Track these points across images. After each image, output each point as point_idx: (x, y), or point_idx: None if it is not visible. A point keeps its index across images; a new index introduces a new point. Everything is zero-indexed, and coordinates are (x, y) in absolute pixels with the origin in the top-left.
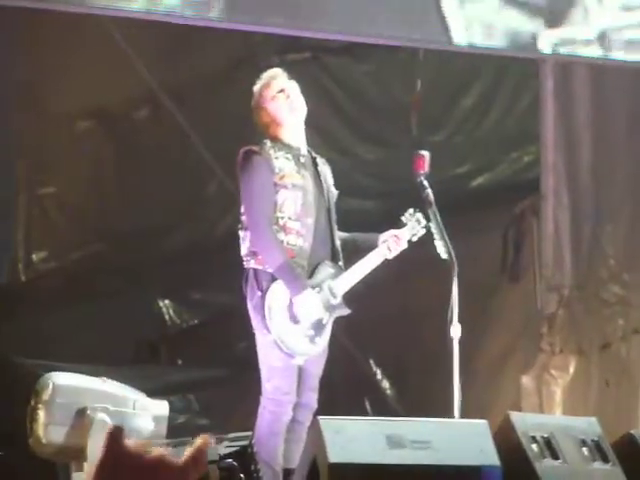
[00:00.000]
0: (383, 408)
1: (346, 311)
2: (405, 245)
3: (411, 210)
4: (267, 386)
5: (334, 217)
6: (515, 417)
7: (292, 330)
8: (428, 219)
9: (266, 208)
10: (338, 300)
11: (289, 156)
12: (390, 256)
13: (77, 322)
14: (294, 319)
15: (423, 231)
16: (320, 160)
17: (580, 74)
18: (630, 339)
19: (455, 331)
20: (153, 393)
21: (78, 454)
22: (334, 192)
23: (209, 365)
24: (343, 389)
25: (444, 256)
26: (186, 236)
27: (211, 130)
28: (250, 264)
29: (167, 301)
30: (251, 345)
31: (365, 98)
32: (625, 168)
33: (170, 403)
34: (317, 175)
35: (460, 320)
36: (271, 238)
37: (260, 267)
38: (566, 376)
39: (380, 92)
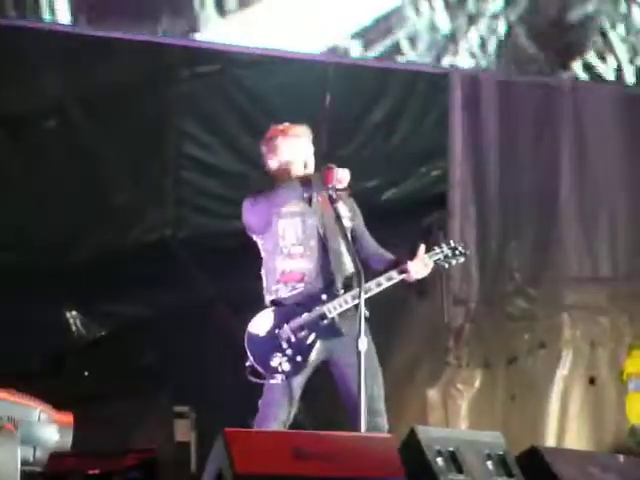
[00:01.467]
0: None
1: (338, 334)
2: (421, 267)
3: (451, 241)
4: (259, 402)
5: (336, 247)
6: (421, 431)
7: (270, 353)
8: (461, 251)
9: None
10: (326, 322)
11: (290, 192)
12: (416, 276)
13: None
14: (273, 342)
15: (461, 260)
16: (338, 205)
17: (488, 87)
18: (536, 353)
19: (362, 344)
20: (59, 405)
21: None
22: (347, 225)
23: (116, 377)
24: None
25: (350, 270)
26: (94, 247)
27: (121, 141)
28: (266, 299)
29: (74, 312)
30: (159, 358)
31: (275, 111)
32: (531, 183)
33: (75, 415)
34: (314, 213)
35: (367, 334)
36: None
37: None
38: (472, 390)
39: (290, 105)
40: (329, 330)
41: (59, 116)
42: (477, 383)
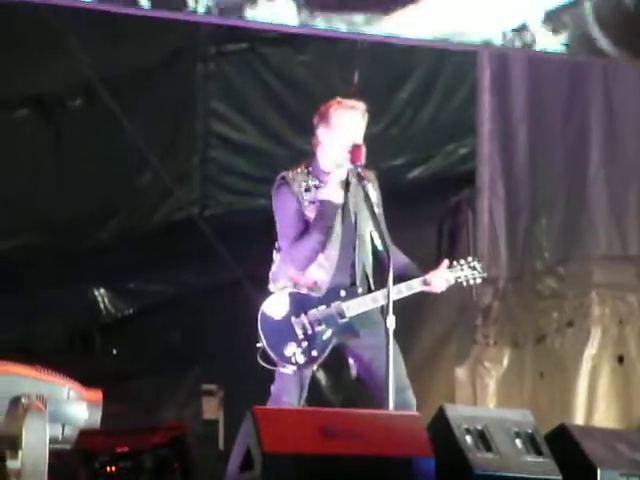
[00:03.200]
0: (318, 399)
1: (355, 334)
2: (443, 282)
3: (470, 259)
4: (271, 387)
5: (362, 242)
6: (449, 409)
7: (284, 340)
8: (479, 272)
9: (290, 233)
10: (345, 320)
11: (321, 187)
12: (437, 289)
13: (10, 311)
14: (287, 330)
15: (479, 280)
16: (365, 181)
17: (517, 66)
18: (564, 332)
19: (390, 322)
20: (88, 382)
21: (13, 443)
22: (377, 212)
23: (144, 354)
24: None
25: (380, 247)
26: (121, 225)
27: (147, 120)
28: (270, 287)
29: (102, 290)
30: (186, 336)
31: (302, 89)
32: (560, 162)
33: (104, 392)
34: (348, 203)
35: (395, 312)
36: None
37: (274, 291)
38: (500, 368)
39: (318, 83)
40: (346, 329)
41: (85, 95)
42: (505, 361)
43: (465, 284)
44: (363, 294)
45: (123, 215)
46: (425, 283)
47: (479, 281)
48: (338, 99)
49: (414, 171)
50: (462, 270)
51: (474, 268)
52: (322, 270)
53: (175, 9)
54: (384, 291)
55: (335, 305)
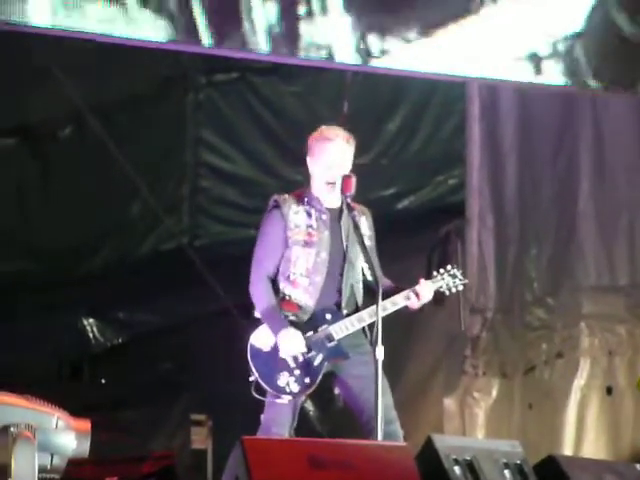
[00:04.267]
0: (305, 429)
1: (344, 356)
2: (427, 294)
3: (449, 267)
4: (262, 417)
5: (351, 268)
6: (437, 439)
7: (276, 371)
8: (460, 279)
9: (265, 259)
10: (333, 343)
11: (312, 212)
12: (417, 304)
13: None
14: (278, 361)
15: (460, 287)
16: (356, 212)
17: (507, 97)
18: (553, 363)
19: (379, 353)
20: (76, 412)
21: (3, 472)
22: (368, 244)
23: (132, 384)
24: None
25: (369, 278)
26: (111, 255)
27: (137, 149)
28: (255, 313)
29: (91, 320)
30: (175, 366)
31: (292, 119)
32: (549, 192)
33: (93, 422)
34: (339, 230)
35: (384, 342)
36: (261, 285)
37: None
38: (489, 399)
39: (307, 113)
40: (335, 352)
41: (76, 125)
42: (494, 392)
43: (448, 293)
44: (349, 316)
45: (112, 244)
46: (408, 297)
47: (461, 288)
48: (321, 127)
49: (403, 201)
50: (443, 279)
51: (454, 276)
52: (307, 295)
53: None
54: (369, 310)
55: (322, 329)
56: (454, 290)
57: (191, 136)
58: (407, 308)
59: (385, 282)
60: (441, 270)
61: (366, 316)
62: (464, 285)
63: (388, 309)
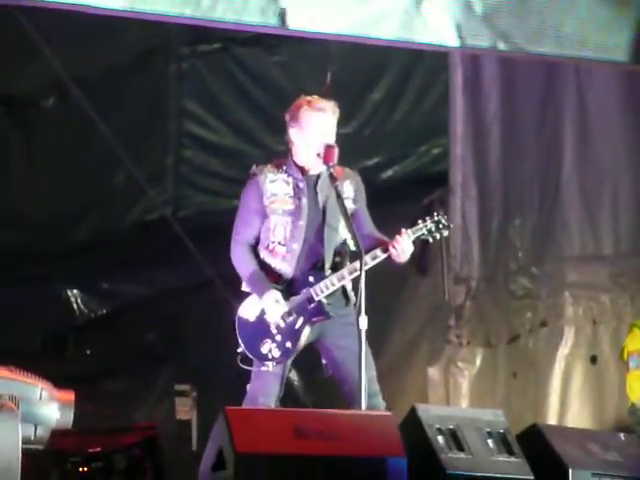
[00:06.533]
0: (290, 399)
1: (326, 316)
2: (407, 245)
3: (435, 213)
4: (247, 387)
5: (333, 232)
6: (421, 409)
7: (259, 339)
8: (444, 224)
9: (241, 228)
10: (314, 304)
11: (289, 180)
12: (400, 258)
13: None
14: (261, 329)
15: (445, 233)
16: (339, 180)
17: (490, 67)
18: (538, 332)
19: (362, 322)
20: (60, 383)
21: None
22: (353, 207)
23: (117, 355)
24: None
25: (352, 248)
26: (95, 226)
27: (120, 120)
28: (243, 286)
29: (75, 291)
30: (160, 336)
31: (275, 89)
32: (533, 162)
33: (77, 392)
34: (316, 196)
35: (367, 312)
36: (240, 252)
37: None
38: (473, 368)
39: (290, 83)
40: (316, 313)
41: (59, 95)
42: (478, 361)
43: (431, 240)
44: (330, 276)
45: (96, 215)
46: (385, 250)
47: (445, 234)
48: (308, 98)
49: (387, 172)
50: (425, 226)
51: (438, 222)
52: (286, 263)
53: None
54: (349, 267)
55: (303, 292)
56: (437, 236)
57: (174, 106)
58: (392, 264)
59: (376, 237)
60: (426, 218)
61: (346, 273)
62: (448, 230)
63: (368, 263)
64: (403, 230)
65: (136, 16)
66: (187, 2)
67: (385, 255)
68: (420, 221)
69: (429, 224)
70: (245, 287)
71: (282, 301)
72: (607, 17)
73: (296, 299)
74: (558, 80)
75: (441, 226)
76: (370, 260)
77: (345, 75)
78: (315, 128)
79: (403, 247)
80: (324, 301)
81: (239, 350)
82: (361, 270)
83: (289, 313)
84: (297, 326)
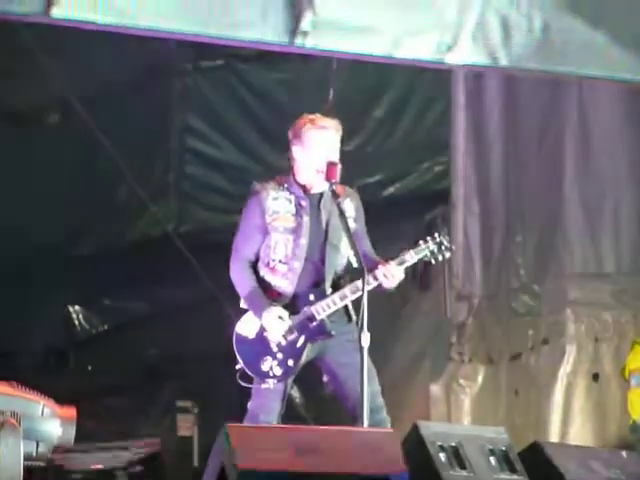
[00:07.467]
0: (291, 415)
1: (327, 335)
2: (398, 273)
3: (436, 234)
4: (248, 404)
5: (335, 251)
6: (423, 426)
7: (260, 356)
8: (447, 246)
9: (241, 244)
10: (316, 323)
11: (291, 198)
12: (389, 284)
13: None
14: (261, 346)
15: (447, 255)
16: (341, 197)
17: (492, 84)
18: (539, 349)
19: (365, 340)
20: (62, 399)
21: None
22: (354, 226)
23: (118, 371)
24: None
25: (355, 265)
26: (96, 241)
27: (122, 136)
28: (241, 304)
29: (77, 307)
30: (161, 353)
31: (277, 105)
32: (535, 179)
33: (79, 409)
34: (319, 215)
35: (369, 328)
36: (239, 269)
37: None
38: (475, 385)
39: (293, 100)
40: (318, 332)
41: (61, 111)
42: (480, 379)
43: (434, 262)
44: (331, 295)
45: (98, 231)
46: (375, 278)
47: (448, 255)
48: (311, 116)
49: (389, 189)
50: (427, 247)
51: (440, 243)
52: (287, 281)
53: None
54: (351, 286)
55: (304, 311)
56: (440, 258)
57: (177, 122)
58: (379, 290)
59: (374, 260)
60: (427, 238)
61: (348, 293)
62: (450, 252)
63: (370, 284)
64: (392, 263)
65: (140, 33)
66: (199, 20)
67: (374, 284)
68: (422, 242)
69: (431, 245)
70: (243, 304)
71: (286, 317)
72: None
73: (297, 317)
74: (560, 96)
75: (443, 248)
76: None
77: (347, 92)
78: (318, 146)
79: (389, 280)
80: (326, 320)
81: (237, 367)
82: (363, 287)
83: (290, 331)
84: (299, 344)
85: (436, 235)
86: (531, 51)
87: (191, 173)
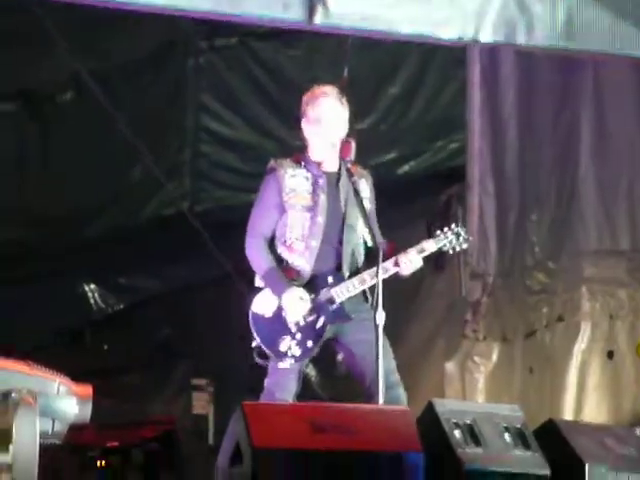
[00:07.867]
0: (307, 394)
1: (347, 318)
2: (417, 259)
3: (453, 225)
4: (265, 381)
5: (352, 231)
6: (438, 404)
7: (278, 335)
8: (465, 237)
9: (258, 220)
10: (335, 306)
11: (308, 176)
12: (405, 271)
13: (0, 306)
14: (280, 325)
15: (465, 245)
16: (356, 176)
17: (507, 61)
18: (554, 327)
19: (380, 318)
20: (78, 377)
21: (4, 438)
22: (368, 207)
23: (134, 350)
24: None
25: (369, 244)
26: (111, 220)
27: (137, 114)
28: (256, 282)
29: (92, 285)
30: (177, 331)
31: (292, 83)
32: (550, 157)
33: (95, 387)
34: (337, 194)
35: (385, 307)
36: (256, 246)
37: (260, 286)
38: (489, 363)
39: (307, 77)
40: (338, 315)
41: (76, 89)
42: (495, 356)
43: (451, 252)
44: (350, 279)
45: (113, 210)
46: (396, 264)
47: (465, 246)
48: (312, 88)
49: (404, 167)
50: (446, 237)
51: (458, 234)
52: (304, 260)
53: None
54: (370, 271)
55: (324, 292)
56: (458, 249)
57: (191, 101)
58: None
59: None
60: (445, 229)
61: (367, 277)
62: (468, 243)
63: (389, 271)
64: (411, 250)
65: (155, 10)
66: None
67: (394, 270)
68: (439, 232)
69: (450, 236)
70: (259, 282)
71: (307, 298)
72: None
73: (317, 299)
74: (575, 74)
75: (461, 239)
76: (383, 272)
77: (361, 70)
78: (321, 114)
79: (406, 266)
80: (345, 303)
81: (253, 345)
82: (378, 266)
83: (310, 312)
84: (318, 326)
85: (453, 226)
86: (554, 42)
87: (205, 152)
